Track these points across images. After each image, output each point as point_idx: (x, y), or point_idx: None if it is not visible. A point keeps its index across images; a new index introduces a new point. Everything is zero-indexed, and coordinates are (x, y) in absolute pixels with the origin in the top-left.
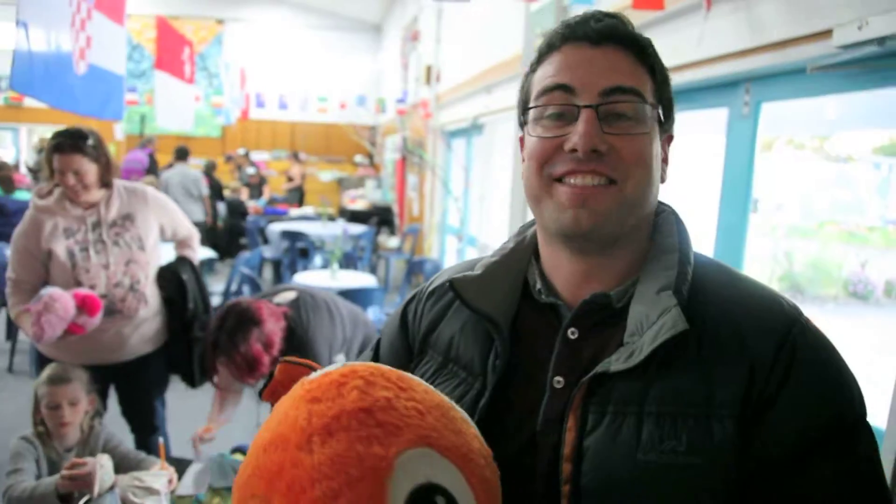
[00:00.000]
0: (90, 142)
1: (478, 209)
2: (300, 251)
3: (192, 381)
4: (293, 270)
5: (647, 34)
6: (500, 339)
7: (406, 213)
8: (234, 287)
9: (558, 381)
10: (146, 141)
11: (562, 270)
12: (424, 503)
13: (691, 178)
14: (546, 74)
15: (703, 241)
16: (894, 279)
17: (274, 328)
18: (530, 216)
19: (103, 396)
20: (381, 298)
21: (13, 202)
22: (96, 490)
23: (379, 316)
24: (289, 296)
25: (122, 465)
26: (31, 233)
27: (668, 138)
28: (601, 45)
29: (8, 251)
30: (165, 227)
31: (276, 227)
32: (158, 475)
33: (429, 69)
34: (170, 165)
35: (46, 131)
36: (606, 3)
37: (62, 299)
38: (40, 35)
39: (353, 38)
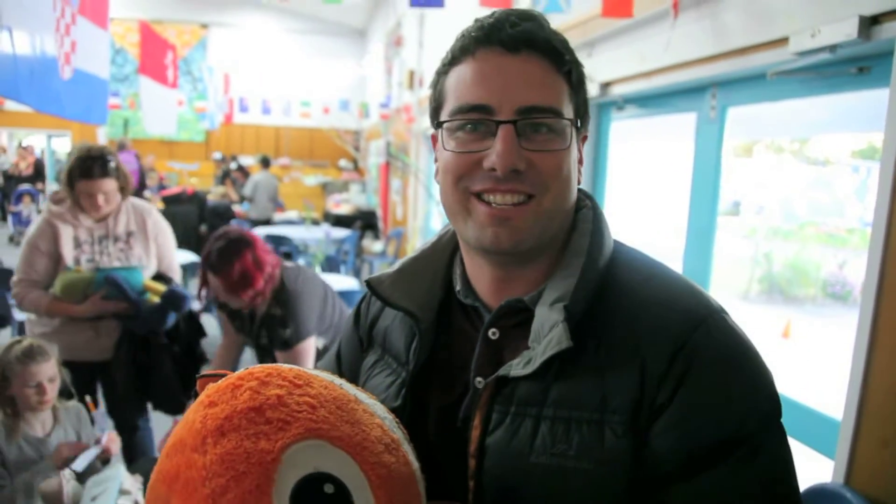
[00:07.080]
0: (112, 163)
1: None
2: (284, 255)
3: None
4: None
5: (616, 41)
6: (418, 329)
7: (390, 217)
8: None
9: (479, 381)
10: (121, 144)
11: (482, 278)
12: (312, 491)
13: (665, 182)
14: (461, 84)
15: (676, 243)
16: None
17: (266, 258)
18: None
19: (92, 394)
20: None
21: None
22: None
23: None
24: (289, 263)
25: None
26: (49, 236)
27: (583, 139)
28: (517, 52)
29: None
30: (158, 251)
31: (259, 232)
32: (110, 478)
33: (411, 74)
34: (246, 173)
35: (27, 135)
36: (576, 9)
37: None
38: (25, 39)
39: (337, 43)
